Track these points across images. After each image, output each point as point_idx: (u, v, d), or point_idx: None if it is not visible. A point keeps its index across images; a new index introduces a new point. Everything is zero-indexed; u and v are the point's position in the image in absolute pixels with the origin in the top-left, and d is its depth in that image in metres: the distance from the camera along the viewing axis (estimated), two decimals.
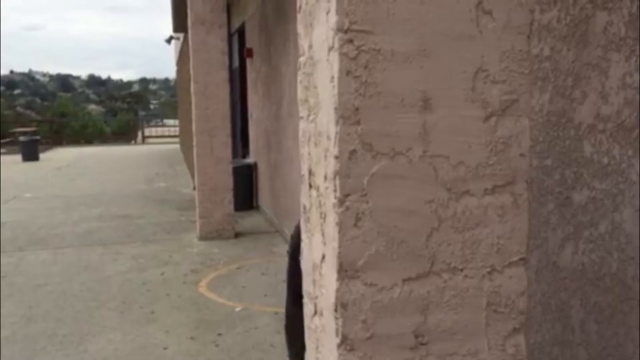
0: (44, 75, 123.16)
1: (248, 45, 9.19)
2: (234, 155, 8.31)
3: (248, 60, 9.31)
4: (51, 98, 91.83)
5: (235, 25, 9.90)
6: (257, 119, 8.91)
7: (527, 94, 1.12)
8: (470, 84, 1.08)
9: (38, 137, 20.67)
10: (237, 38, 10.17)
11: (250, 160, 9.51)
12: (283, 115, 6.93)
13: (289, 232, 6.81)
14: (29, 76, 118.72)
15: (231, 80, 7.67)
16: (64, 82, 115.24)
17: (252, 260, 6.12)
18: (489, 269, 1.13)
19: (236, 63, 10.25)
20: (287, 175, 6.91)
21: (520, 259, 1.14)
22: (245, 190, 8.78)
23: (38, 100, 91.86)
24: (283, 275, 5.10)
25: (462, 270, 1.12)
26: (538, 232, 2.27)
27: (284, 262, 6.45)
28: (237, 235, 7.23)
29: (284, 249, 6.70)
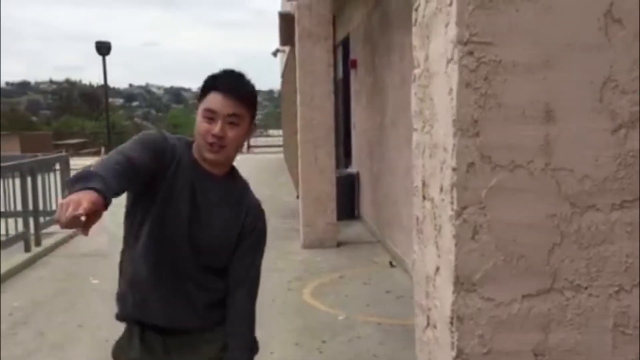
0: (159, 88, 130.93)
1: (352, 56, 9.30)
2: (337, 164, 8.42)
3: (352, 71, 9.41)
4: (165, 110, 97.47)
5: (340, 37, 10.04)
6: (360, 129, 8.97)
7: None
8: (598, 94, 1.04)
9: None
10: (342, 49, 10.31)
11: (352, 169, 9.58)
12: (387, 126, 6.93)
13: (390, 242, 6.79)
14: (146, 89, 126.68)
15: (335, 91, 7.79)
16: (177, 94, 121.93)
17: (354, 270, 6.15)
18: (616, 288, 1.08)
19: (340, 74, 10.39)
20: (389, 186, 6.89)
21: None
22: (347, 199, 8.85)
23: (153, 111, 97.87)
24: (385, 285, 5.05)
25: (586, 288, 1.08)
26: None
27: (386, 272, 6.40)
28: (339, 244, 7.30)
29: (385, 259, 6.69)
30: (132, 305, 1.77)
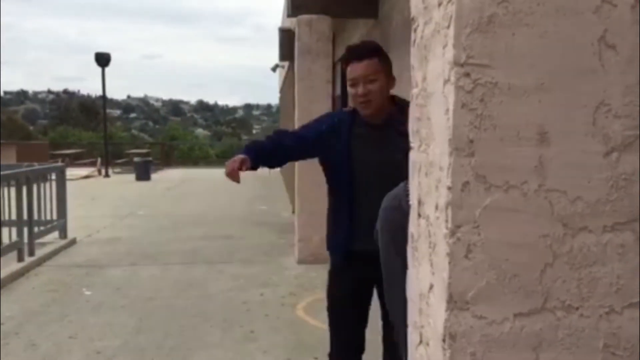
0: (157, 100, 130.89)
1: None
2: None
3: None
4: (163, 122, 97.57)
5: (339, 53, 10.11)
6: None
7: None
8: (591, 118, 1.06)
9: (150, 159, 21.99)
10: (341, 67, 10.37)
11: None
12: None
13: None
14: (144, 101, 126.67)
15: (333, 108, 7.82)
16: (175, 107, 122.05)
17: None
18: (607, 310, 1.09)
19: (338, 91, 10.44)
20: None
21: None
22: None
23: (151, 123, 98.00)
24: (379, 302, 5.00)
25: (577, 309, 1.09)
26: None
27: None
28: None
29: None
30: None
